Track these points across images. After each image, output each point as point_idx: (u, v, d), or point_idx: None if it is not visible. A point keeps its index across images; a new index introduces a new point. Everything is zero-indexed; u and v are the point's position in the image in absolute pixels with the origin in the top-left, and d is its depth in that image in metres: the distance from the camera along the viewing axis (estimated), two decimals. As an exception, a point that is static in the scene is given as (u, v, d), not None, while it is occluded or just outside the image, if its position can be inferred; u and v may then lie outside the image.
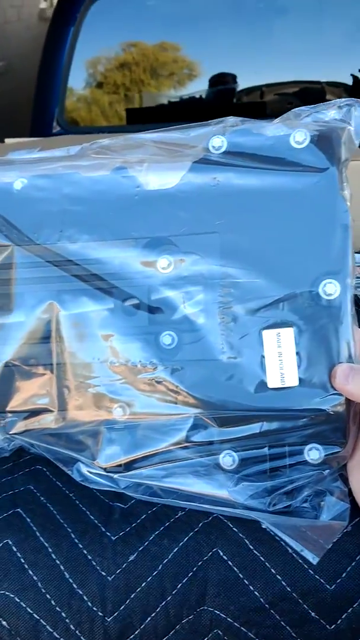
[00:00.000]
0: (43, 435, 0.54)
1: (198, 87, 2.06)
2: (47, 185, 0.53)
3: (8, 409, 0.53)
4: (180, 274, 0.50)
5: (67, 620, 0.46)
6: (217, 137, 0.51)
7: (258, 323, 0.48)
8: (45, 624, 0.46)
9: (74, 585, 0.46)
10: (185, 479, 0.50)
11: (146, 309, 0.50)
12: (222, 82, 2.02)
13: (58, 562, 0.47)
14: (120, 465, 0.51)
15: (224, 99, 1.98)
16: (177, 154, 0.52)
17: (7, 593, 0.47)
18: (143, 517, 0.49)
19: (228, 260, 0.49)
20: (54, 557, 0.47)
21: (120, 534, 0.48)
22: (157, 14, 2.04)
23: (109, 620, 0.45)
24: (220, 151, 0.51)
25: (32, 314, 0.52)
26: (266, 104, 1.93)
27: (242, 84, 2.01)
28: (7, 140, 1.20)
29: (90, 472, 0.52)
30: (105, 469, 0.51)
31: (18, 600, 0.46)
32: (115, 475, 0.51)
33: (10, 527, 0.49)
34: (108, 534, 0.48)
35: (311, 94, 1.92)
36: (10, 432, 0.53)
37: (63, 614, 0.46)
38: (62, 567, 0.47)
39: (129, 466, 0.51)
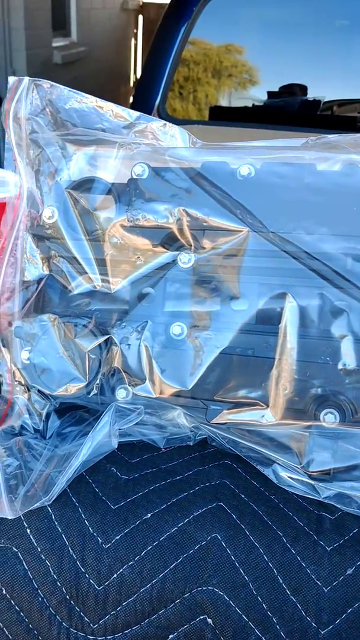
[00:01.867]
0: (240, 430, 0.52)
1: (256, 93, 2.04)
2: (287, 173, 0.51)
3: (216, 397, 0.51)
4: None
5: (277, 627, 0.44)
6: None
7: None
8: (254, 627, 0.44)
9: (288, 591, 0.44)
10: None
11: None
12: (291, 92, 1.99)
13: (271, 564, 0.45)
14: (328, 474, 0.49)
15: (309, 109, 1.96)
16: None
17: (216, 590, 0.45)
18: (355, 530, 0.47)
19: None
20: (266, 558, 0.45)
21: (335, 545, 0.46)
22: (249, 18, 2.02)
23: (322, 632, 0.43)
24: None
25: (259, 303, 0.50)
26: (357, 118, 1.91)
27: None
28: None
29: (290, 477, 0.50)
30: (310, 476, 0.50)
31: (227, 599, 0.44)
32: (320, 484, 0.49)
33: (217, 521, 0.47)
34: (322, 543, 0.46)
35: None
36: (212, 421, 0.51)
37: (274, 620, 0.44)
38: (275, 571, 0.45)
39: (334, 475, 0.49)
